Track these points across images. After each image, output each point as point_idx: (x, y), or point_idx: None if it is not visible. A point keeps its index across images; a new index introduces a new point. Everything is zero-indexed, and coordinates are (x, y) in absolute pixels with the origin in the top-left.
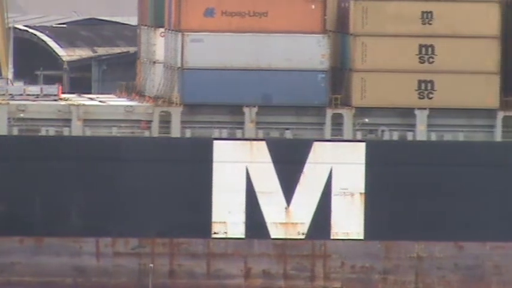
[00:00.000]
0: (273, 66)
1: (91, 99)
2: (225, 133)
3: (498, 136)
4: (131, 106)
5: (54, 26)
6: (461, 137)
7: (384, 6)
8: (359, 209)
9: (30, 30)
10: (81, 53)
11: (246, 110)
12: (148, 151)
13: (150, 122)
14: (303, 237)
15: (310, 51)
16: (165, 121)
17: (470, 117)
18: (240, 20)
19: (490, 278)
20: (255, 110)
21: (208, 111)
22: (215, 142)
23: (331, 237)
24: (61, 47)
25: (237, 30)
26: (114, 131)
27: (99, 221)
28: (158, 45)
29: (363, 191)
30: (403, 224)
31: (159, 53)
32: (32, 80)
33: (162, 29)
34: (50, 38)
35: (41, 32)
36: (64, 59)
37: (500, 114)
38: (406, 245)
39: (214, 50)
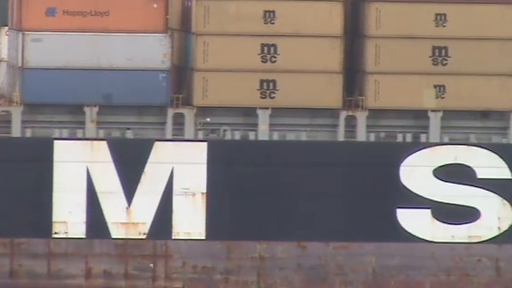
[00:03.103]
0: (114, 66)
1: None
2: (65, 133)
3: (341, 136)
4: None
5: None
6: (304, 136)
7: (226, 6)
8: (201, 209)
9: None
10: None
11: (86, 109)
12: None
13: None
14: (144, 237)
15: (152, 51)
16: (6, 121)
17: (313, 116)
18: (82, 19)
19: (333, 278)
20: (95, 109)
21: (49, 111)
22: (55, 142)
23: (173, 237)
24: None
25: (78, 30)
26: None
27: None
28: (3, 43)
29: (204, 190)
30: (245, 224)
31: (4, 51)
32: None
33: (7, 28)
34: None
35: None
36: None
37: (343, 114)
38: (248, 245)
39: (55, 49)
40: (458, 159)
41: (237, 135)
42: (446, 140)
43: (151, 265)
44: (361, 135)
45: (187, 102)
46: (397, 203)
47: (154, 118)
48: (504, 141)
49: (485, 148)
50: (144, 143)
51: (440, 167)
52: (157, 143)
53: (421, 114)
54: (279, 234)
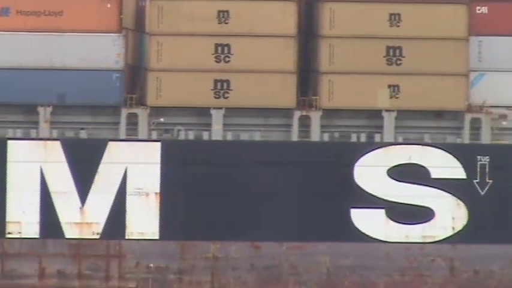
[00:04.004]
0: (68, 65)
1: None
2: (19, 133)
3: (295, 136)
4: None
5: None
6: (257, 136)
7: (180, 5)
8: (154, 208)
9: None
10: None
11: (40, 109)
12: None
13: None
14: (97, 237)
15: (105, 51)
16: None
17: (267, 116)
18: (36, 19)
19: (287, 278)
20: (49, 109)
21: (2, 111)
22: (9, 142)
23: (126, 237)
24: None
25: (32, 30)
26: None
27: None
28: None
29: (158, 190)
30: (198, 224)
31: None
32: None
33: None
34: None
35: None
36: None
37: (297, 114)
38: (201, 245)
39: (8, 49)
40: (413, 159)
41: (191, 135)
42: (400, 139)
43: (152, 265)
44: (315, 135)
45: (141, 102)
46: (351, 203)
47: (108, 118)
48: (458, 141)
49: (439, 148)
50: (97, 143)
51: (394, 166)
52: (110, 143)
53: (375, 114)
54: (232, 234)
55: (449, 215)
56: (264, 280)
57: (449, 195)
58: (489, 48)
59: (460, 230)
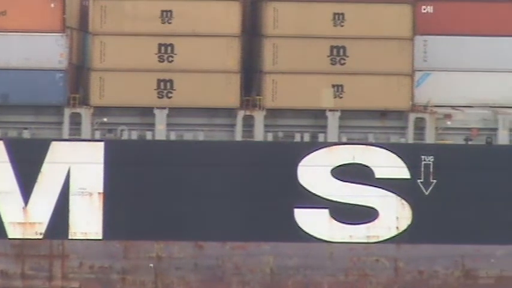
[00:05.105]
0: (11, 65)
1: None
2: None
3: (238, 135)
4: None
5: None
6: (201, 136)
7: (123, 5)
8: (97, 208)
9: None
10: None
11: None
12: None
13: None
14: (40, 237)
15: (49, 50)
16: None
17: (210, 116)
18: None
19: (231, 278)
20: None
21: None
22: None
23: (70, 237)
24: None
25: None
26: None
27: None
28: None
29: (101, 190)
30: (142, 223)
31: None
32: None
33: None
34: None
35: None
36: None
37: (241, 114)
38: (145, 245)
39: None
40: (356, 158)
41: (134, 135)
42: (344, 139)
43: (152, 265)
44: (259, 135)
45: (85, 102)
46: (295, 203)
47: (51, 118)
48: (402, 140)
49: (383, 148)
50: (40, 143)
51: (338, 166)
52: (54, 143)
53: (319, 114)
54: (176, 234)
55: (393, 215)
56: (207, 280)
57: (394, 195)
58: (434, 48)
59: (404, 230)
